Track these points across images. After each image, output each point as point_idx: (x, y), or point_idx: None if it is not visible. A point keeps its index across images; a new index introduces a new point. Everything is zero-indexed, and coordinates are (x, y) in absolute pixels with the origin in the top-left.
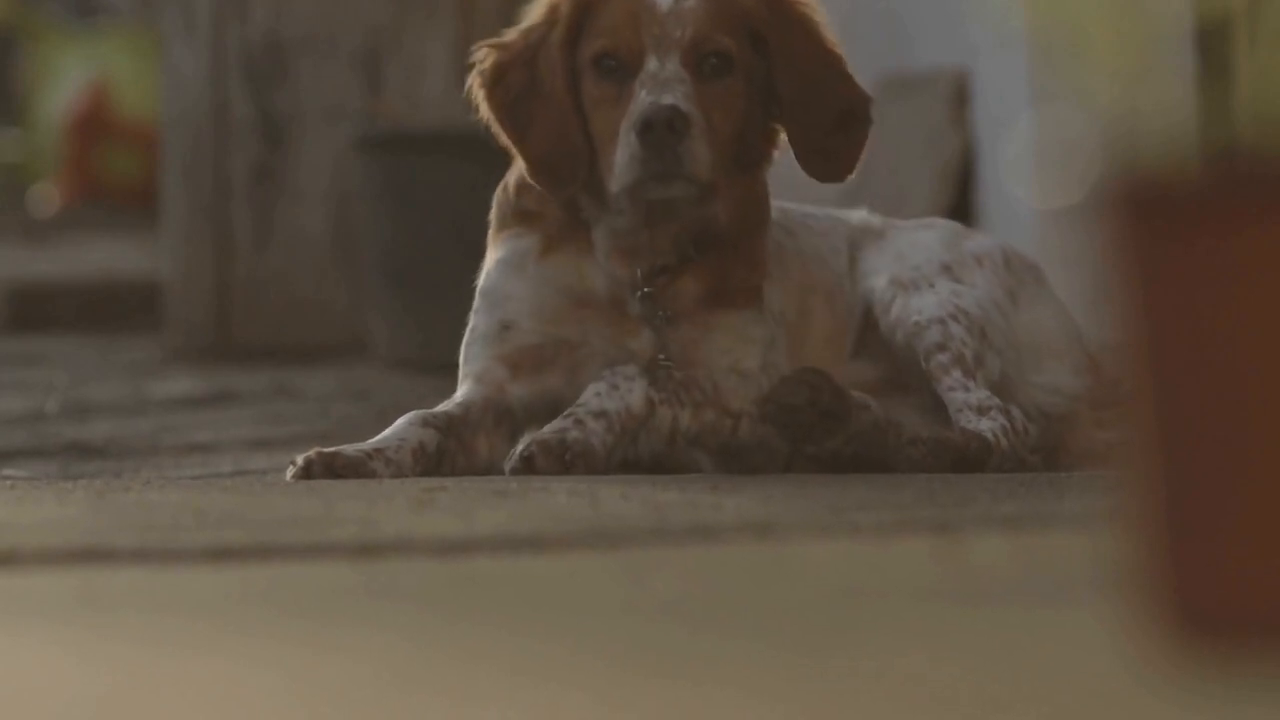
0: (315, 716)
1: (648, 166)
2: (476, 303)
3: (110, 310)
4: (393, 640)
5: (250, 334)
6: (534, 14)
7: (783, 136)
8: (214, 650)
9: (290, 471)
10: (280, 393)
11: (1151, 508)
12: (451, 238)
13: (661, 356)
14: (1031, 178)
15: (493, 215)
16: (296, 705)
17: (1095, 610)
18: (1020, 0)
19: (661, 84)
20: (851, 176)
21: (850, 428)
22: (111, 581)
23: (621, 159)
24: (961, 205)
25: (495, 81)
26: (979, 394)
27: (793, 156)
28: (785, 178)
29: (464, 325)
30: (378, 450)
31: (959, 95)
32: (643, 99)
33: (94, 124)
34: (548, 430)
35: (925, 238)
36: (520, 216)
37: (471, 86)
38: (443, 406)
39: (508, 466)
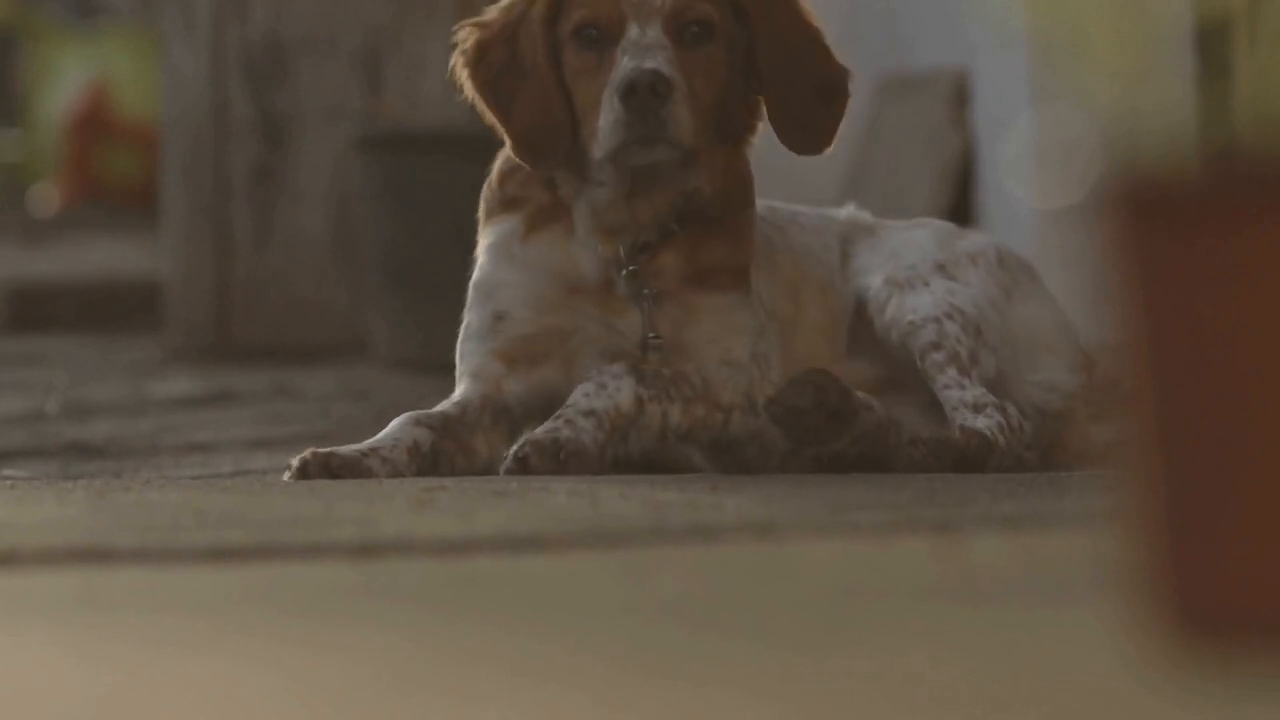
0: (315, 716)
1: (631, 130)
2: (470, 298)
3: (110, 310)
4: (393, 640)
5: (250, 334)
6: None
7: (764, 109)
8: (214, 650)
9: (287, 473)
10: (280, 393)
11: (1151, 507)
12: (451, 238)
13: (652, 335)
14: (1031, 178)
15: (481, 209)
16: (296, 705)
17: (1095, 610)
18: (1020, 0)
19: (643, 49)
20: (829, 149)
21: (856, 429)
22: (111, 581)
23: (605, 124)
24: (961, 205)
25: (478, 60)
26: (975, 391)
27: (775, 138)
28: (778, 173)
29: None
30: (373, 450)
31: (959, 95)
32: (625, 64)
33: (94, 124)
34: (540, 431)
35: (919, 237)
36: (505, 204)
37: (454, 66)
38: (439, 407)
39: (502, 469)
